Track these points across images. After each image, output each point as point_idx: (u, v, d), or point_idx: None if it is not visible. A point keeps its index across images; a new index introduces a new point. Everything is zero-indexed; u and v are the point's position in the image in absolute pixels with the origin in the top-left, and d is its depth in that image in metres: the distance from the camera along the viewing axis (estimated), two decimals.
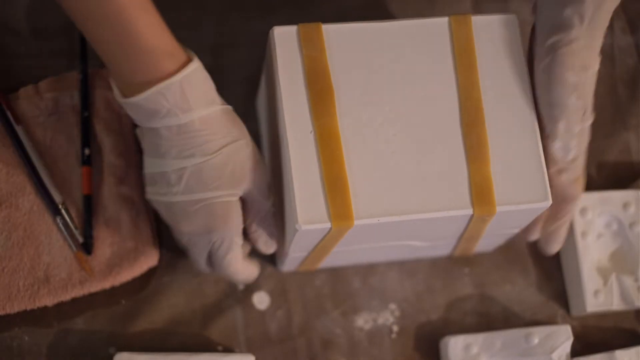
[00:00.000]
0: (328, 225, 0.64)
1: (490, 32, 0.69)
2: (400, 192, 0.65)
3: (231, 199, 0.67)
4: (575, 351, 0.80)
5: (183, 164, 0.64)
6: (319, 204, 0.64)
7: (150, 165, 0.67)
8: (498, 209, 0.65)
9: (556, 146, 0.69)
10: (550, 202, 0.67)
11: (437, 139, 0.67)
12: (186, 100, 0.63)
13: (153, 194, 0.69)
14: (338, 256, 0.75)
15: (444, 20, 0.69)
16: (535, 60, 0.68)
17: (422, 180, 0.64)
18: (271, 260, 0.81)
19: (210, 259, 0.72)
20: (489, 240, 0.77)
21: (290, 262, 0.76)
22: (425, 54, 0.68)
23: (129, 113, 0.66)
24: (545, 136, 0.69)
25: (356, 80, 0.67)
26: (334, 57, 0.67)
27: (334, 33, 0.68)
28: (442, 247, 0.78)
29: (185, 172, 0.65)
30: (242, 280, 0.77)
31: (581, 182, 0.73)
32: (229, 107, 0.67)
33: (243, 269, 0.73)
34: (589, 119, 0.70)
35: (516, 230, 0.76)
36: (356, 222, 0.64)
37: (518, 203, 0.66)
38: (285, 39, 0.68)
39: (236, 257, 0.71)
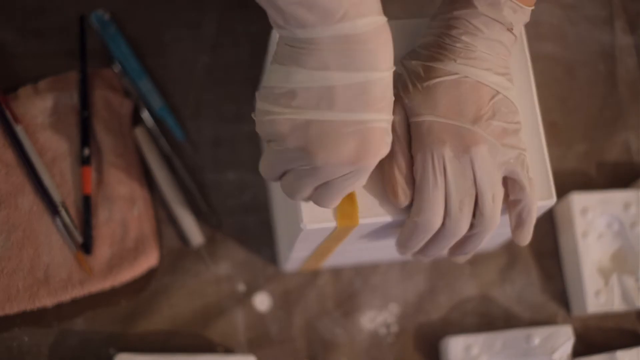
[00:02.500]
0: (333, 224, 0.64)
1: None
2: None
3: (389, 126, 0.57)
4: (576, 352, 0.80)
5: (352, 78, 0.55)
6: None
7: (294, 78, 0.56)
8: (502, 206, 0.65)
9: None
10: (554, 200, 0.66)
11: None
12: (365, 3, 0.54)
13: (282, 111, 0.57)
14: (341, 255, 0.75)
15: None
16: None
17: None
18: (272, 260, 0.81)
19: (320, 188, 0.60)
20: (491, 239, 0.77)
21: (293, 261, 0.76)
22: None
23: (292, 12, 0.53)
24: None
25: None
26: None
27: None
28: None
29: (349, 87, 0.55)
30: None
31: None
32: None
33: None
34: None
35: None
36: (361, 221, 0.64)
37: None
38: None
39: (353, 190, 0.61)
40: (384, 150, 0.58)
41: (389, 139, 0.58)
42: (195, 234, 0.80)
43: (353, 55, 0.54)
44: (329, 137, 0.56)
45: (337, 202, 0.61)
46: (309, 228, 0.64)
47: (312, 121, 0.56)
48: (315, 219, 0.64)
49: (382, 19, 0.55)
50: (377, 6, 0.55)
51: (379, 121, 0.56)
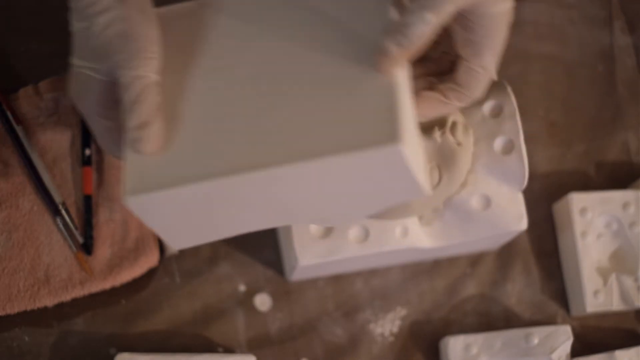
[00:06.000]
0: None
1: None
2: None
3: (91, 74, 0.63)
4: (575, 351, 0.80)
5: (74, 26, 0.64)
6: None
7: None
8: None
9: None
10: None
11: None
12: None
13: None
14: (346, 264, 0.75)
15: None
16: None
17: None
18: (273, 261, 0.81)
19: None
20: (490, 240, 0.77)
21: (299, 273, 0.76)
22: (276, 13, 0.64)
23: None
24: None
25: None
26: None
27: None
28: (449, 249, 0.79)
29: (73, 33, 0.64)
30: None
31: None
32: None
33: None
34: None
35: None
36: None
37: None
38: None
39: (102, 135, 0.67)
40: (84, 96, 0.64)
41: (92, 87, 0.63)
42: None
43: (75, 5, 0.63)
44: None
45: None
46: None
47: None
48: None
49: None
50: None
51: (79, 67, 0.64)
